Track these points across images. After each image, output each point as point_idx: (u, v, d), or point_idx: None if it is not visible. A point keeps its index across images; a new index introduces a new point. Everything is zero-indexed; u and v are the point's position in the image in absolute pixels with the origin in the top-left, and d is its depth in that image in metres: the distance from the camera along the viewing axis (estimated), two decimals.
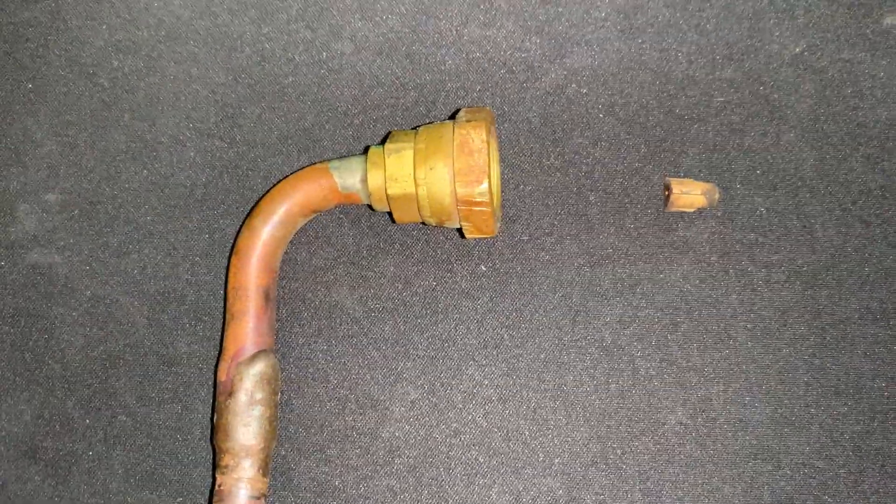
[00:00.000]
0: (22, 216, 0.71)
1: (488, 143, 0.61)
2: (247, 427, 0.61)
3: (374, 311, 0.69)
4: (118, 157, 0.72)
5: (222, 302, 0.69)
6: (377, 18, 0.72)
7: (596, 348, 0.68)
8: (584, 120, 0.71)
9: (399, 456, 0.67)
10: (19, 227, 0.71)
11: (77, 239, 0.71)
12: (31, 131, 0.72)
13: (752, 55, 0.72)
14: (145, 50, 0.73)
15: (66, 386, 0.69)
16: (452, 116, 0.70)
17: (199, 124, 0.72)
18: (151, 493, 0.67)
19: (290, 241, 0.70)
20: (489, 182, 0.60)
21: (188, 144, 0.72)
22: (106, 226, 0.71)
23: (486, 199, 0.60)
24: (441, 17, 0.72)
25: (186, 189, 0.72)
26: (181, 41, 0.72)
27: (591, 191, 0.71)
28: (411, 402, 0.68)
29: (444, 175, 0.61)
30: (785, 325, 0.68)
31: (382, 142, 0.68)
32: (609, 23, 0.71)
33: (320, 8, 0.72)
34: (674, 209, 0.69)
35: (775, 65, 0.72)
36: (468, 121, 0.61)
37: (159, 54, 0.72)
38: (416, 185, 0.61)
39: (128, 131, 0.72)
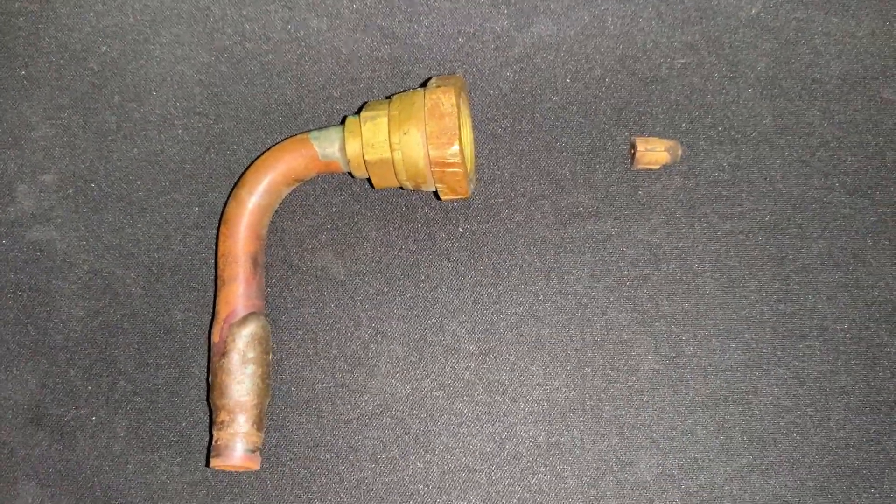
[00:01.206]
0: (20, 196, 0.73)
1: (458, 107, 0.62)
2: (240, 384, 0.62)
3: (359, 274, 0.71)
4: (110, 137, 0.74)
5: (214, 270, 0.72)
6: None
7: (570, 302, 0.70)
8: (552, 85, 0.73)
9: (387, 409, 0.69)
10: (18, 207, 0.73)
11: (73, 216, 0.73)
12: (25, 116, 0.74)
13: (710, 18, 0.74)
14: (132, 34, 0.74)
15: (68, 355, 0.71)
16: (424, 85, 0.73)
17: (185, 103, 0.74)
18: (153, 454, 0.69)
19: (277, 211, 0.72)
20: (460, 144, 0.62)
21: (176, 122, 0.74)
22: (100, 202, 0.73)
23: (457, 160, 0.62)
24: None
25: (176, 165, 0.73)
26: (166, 25, 0.74)
27: (561, 152, 0.73)
28: (397, 358, 0.70)
29: (418, 139, 0.62)
30: (750, 274, 0.70)
31: (359, 112, 0.70)
32: None
33: None
34: (640, 166, 0.71)
35: (732, 26, 0.74)
36: (438, 86, 0.63)
37: (145, 38, 0.74)
38: (392, 150, 0.63)
39: (118, 112, 0.74)
